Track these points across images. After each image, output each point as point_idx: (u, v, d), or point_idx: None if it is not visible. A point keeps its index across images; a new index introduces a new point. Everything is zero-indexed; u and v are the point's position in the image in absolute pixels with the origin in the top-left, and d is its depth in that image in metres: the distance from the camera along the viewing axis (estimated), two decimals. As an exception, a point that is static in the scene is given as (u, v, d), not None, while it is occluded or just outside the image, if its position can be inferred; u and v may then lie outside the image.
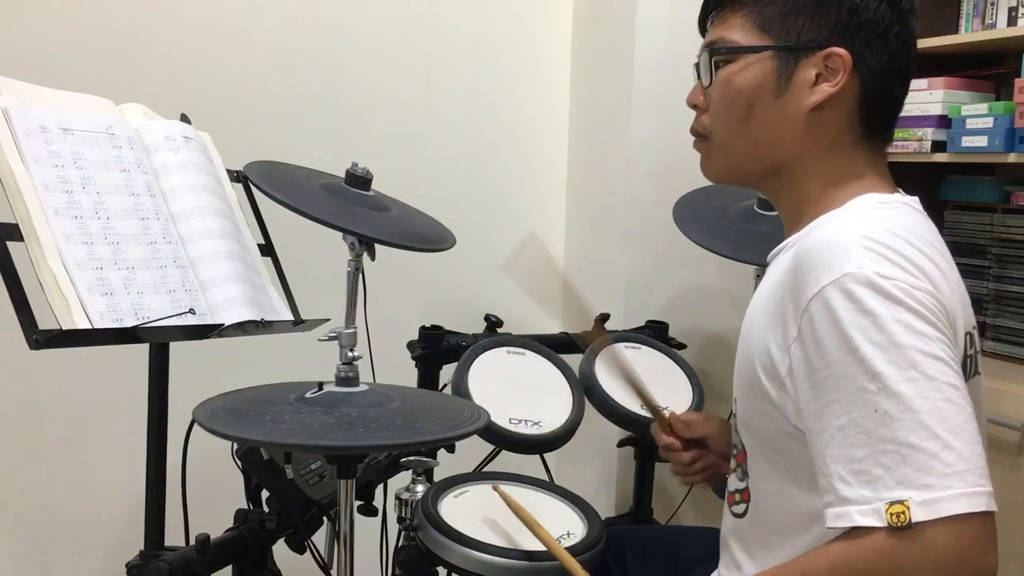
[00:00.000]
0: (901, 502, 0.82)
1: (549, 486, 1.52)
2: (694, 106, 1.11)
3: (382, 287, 1.66)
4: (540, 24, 2.39)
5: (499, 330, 1.91)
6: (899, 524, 0.81)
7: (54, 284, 1.21)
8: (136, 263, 1.31)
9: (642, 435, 1.79)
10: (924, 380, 0.84)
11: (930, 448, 0.82)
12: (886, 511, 0.82)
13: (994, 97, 1.96)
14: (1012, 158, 1.78)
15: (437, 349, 1.84)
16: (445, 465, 1.58)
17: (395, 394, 1.33)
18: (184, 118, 1.54)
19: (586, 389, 1.67)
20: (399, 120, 2.24)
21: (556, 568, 1.21)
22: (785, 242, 1.06)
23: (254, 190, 1.49)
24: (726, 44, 1.05)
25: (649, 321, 2.08)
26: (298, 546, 1.52)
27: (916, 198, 1.06)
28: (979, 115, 1.84)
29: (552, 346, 1.75)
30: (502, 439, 1.52)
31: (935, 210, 2.04)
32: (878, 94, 1.03)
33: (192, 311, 1.34)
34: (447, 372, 1.74)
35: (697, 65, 1.10)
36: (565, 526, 1.36)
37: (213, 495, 1.57)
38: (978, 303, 1.93)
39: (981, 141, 1.83)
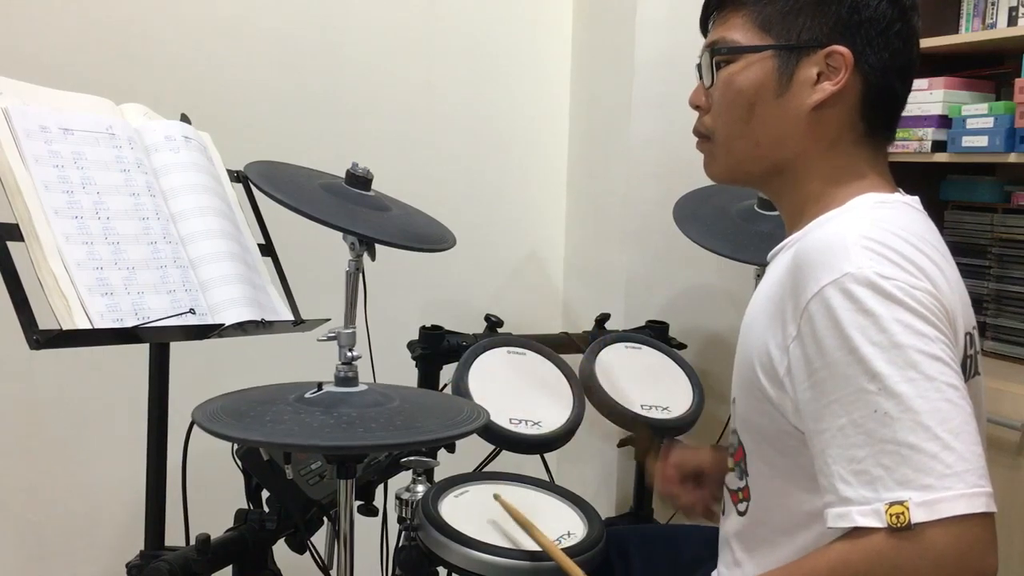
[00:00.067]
0: (901, 503, 0.81)
1: (549, 486, 1.52)
2: (696, 107, 1.11)
3: (382, 287, 1.66)
4: (540, 24, 2.39)
5: (499, 330, 1.91)
6: (899, 525, 0.81)
7: (54, 284, 1.21)
8: (136, 263, 1.31)
9: (647, 435, 1.80)
10: (924, 380, 0.83)
11: (930, 449, 0.82)
12: (886, 512, 0.82)
13: (994, 97, 1.96)
14: (1012, 158, 1.78)
15: (437, 349, 1.84)
16: (445, 465, 1.58)
17: (395, 394, 1.33)
18: (184, 118, 1.54)
19: (586, 389, 1.67)
20: (399, 120, 2.24)
21: (556, 568, 1.21)
22: (785, 241, 1.06)
23: (254, 190, 1.49)
24: (727, 44, 1.05)
25: (649, 321, 2.08)
26: (298, 546, 1.52)
27: (916, 198, 1.06)
28: (979, 115, 1.84)
29: (552, 346, 1.75)
30: (502, 439, 1.52)
31: (935, 210, 2.04)
32: (880, 92, 1.03)
33: (192, 311, 1.34)
34: (447, 372, 1.74)
35: (699, 66, 1.10)
36: (565, 526, 1.36)
37: (213, 495, 1.57)
38: (978, 303, 1.93)
39: (981, 141, 1.83)
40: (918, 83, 1.95)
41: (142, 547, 1.45)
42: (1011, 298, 1.89)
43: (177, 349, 1.47)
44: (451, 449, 1.72)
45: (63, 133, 1.31)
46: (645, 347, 1.87)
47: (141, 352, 1.45)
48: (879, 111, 1.04)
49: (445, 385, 1.81)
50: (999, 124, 1.80)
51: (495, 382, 1.60)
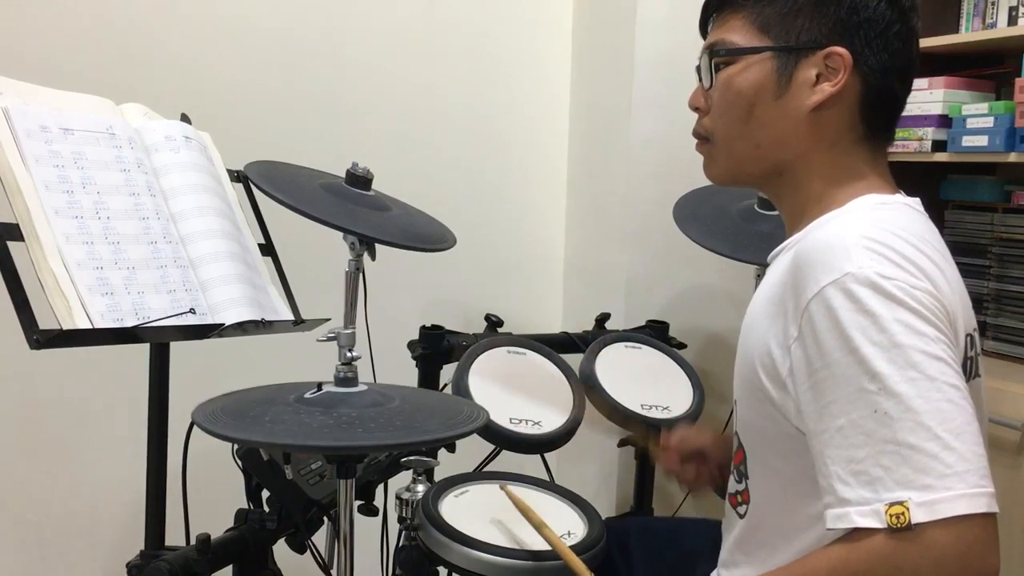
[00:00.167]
0: (901, 503, 0.81)
1: (550, 486, 1.52)
2: (695, 108, 1.11)
3: (382, 287, 1.66)
4: (540, 24, 2.39)
5: (500, 330, 1.91)
6: (899, 525, 0.81)
7: (54, 284, 1.21)
8: (136, 263, 1.31)
9: (644, 427, 1.80)
10: (924, 380, 0.83)
11: (930, 449, 0.82)
12: (886, 512, 0.82)
13: (994, 97, 1.96)
14: (1013, 157, 1.78)
15: (437, 349, 1.84)
16: (446, 465, 1.58)
17: (395, 394, 1.33)
18: (184, 118, 1.54)
19: (586, 388, 1.67)
20: (399, 120, 2.24)
21: (557, 568, 1.21)
22: (785, 242, 1.06)
23: (254, 190, 1.49)
24: (726, 46, 1.05)
25: (650, 321, 2.09)
26: (299, 546, 1.52)
27: (917, 199, 1.06)
28: (979, 115, 1.84)
29: (553, 346, 1.75)
30: (503, 439, 1.52)
31: (936, 210, 2.04)
32: (879, 93, 1.03)
33: (192, 311, 1.34)
34: (448, 372, 1.74)
35: (698, 67, 1.10)
36: (566, 526, 1.36)
37: (213, 495, 1.57)
38: (979, 303, 1.93)
39: (982, 141, 1.83)
40: (918, 83, 1.95)
41: (142, 547, 1.45)
42: (1011, 298, 1.89)
43: (177, 349, 1.47)
44: (451, 449, 1.72)
45: (63, 133, 1.31)
46: (645, 347, 1.87)
47: (141, 352, 1.45)
48: (879, 112, 1.04)
49: (445, 385, 1.81)
50: (999, 124, 1.80)
51: (495, 382, 1.60)
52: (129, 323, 1.26)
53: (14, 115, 1.27)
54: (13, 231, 1.20)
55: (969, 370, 0.99)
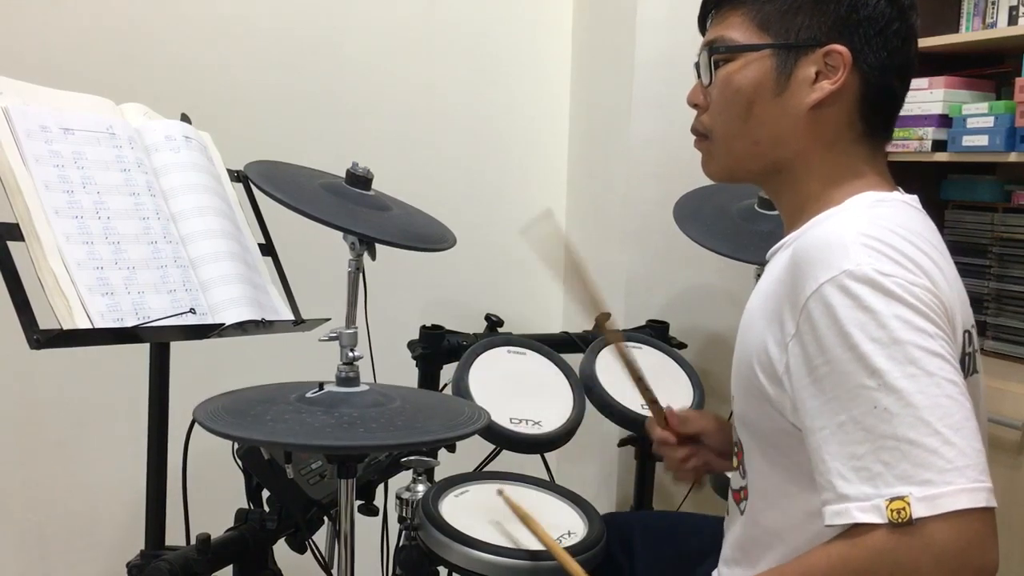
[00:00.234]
0: (902, 498, 0.81)
1: (550, 486, 1.52)
2: (694, 105, 1.11)
3: (383, 287, 1.66)
4: (540, 24, 2.39)
5: (500, 329, 1.91)
6: (900, 520, 0.81)
7: (54, 284, 1.21)
8: (137, 263, 1.31)
9: (642, 434, 1.80)
10: (924, 376, 0.83)
11: (930, 444, 0.82)
12: (887, 507, 0.82)
13: (995, 96, 1.96)
14: (1013, 157, 1.78)
15: (438, 349, 1.84)
16: (446, 464, 1.58)
17: (395, 394, 1.33)
18: (184, 118, 1.54)
19: (587, 388, 1.67)
20: (399, 120, 2.24)
21: (557, 568, 1.21)
22: (784, 240, 1.06)
23: (254, 190, 1.49)
24: (725, 43, 1.05)
25: (650, 320, 2.09)
26: (299, 546, 1.52)
27: (915, 196, 1.06)
28: (980, 114, 1.84)
29: (553, 345, 1.75)
30: (503, 439, 1.52)
31: (936, 209, 2.04)
32: (879, 91, 1.03)
33: (192, 311, 1.34)
34: (448, 372, 1.74)
35: (697, 64, 1.10)
36: (566, 526, 1.36)
37: (214, 495, 1.57)
38: (979, 302, 1.93)
39: (982, 140, 1.83)
40: (918, 82, 1.95)
41: (142, 547, 1.45)
42: (1012, 297, 1.89)
43: (177, 349, 1.47)
44: (451, 449, 1.72)
45: (63, 133, 1.31)
46: (645, 347, 1.87)
47: (141, 352, 1.45)
48: (878, 110, 1.04)
49: (445, 385, 1.81)
50: (999, 123, 1.80)
51: (496, 382, 1.60)
52: (129, 323, 1.26)
53: (14, 115, 1.27)
54: (13, 231, 1.20)
55: (967, 366, 0.99)
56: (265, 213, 1.58)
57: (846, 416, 0.86)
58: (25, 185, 1.23)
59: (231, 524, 1.48)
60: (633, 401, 1.67)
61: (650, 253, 2.19)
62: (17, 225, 1.21)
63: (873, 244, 0.89)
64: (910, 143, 1.97)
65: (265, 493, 1.52)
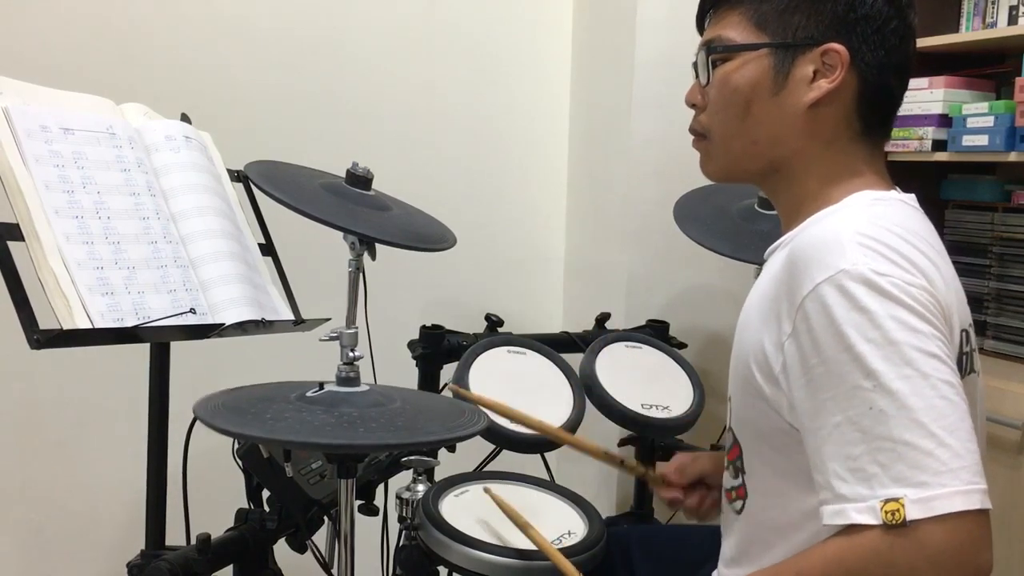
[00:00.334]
0: (896, 500, 0.82)
1: (550, 485, 1.52)
2: (692, 105, 1.11)
3: (383, 287, 1.66)
4: (540, 24, 2.39)
5: (500, 329, 1.91)
6: (894, 522, 0.81)
7: (55, 284, 1.21)
8: (137, 263, 1.31)
9: (642, 434, 1.80)
10: (919, 377, 0.84)
11: (925, 446, 0.82)
12: (881, 509, 0.82)
13: (995, 96, 1.96)
14: (1013, 157, 1.78)
15: (438, 349, 1.84)
16: (446, 464, 1.58)
17: (396, 395, 1.33)
18: (184, 118, 1.54)
19: (587, 388, 1.67)
20: (400, 120, 2.24)
21: (556, 567, 1.21)
22: (782, 239, 1.06)
23: (254, 190, 1.49)
24: (723, 42, 1.05)
25: (650, 320, 2.09)
26: (299, 545, 1.52)
27: (913, 195, 1.06)
28: (980, 114, 1.84)
29: (553, 345, 1.75)
30: (503, 439, 1.52)
31: (936, 209, 2.04)
32: (876, 90, 1.03)
33: (193, 311, 1.34)
34: (448, 372, 1.74)
35: (695, 63, 1.10)
36: (566, 525, 1.36)
37: (214, 495, 1.57)
38: (979, 302, 1.93)
39: (982, 140, 1.83)
40: (918, 82, 1.95)
41: (143, 547, 1.45)
42: (1012, 297, 1.89)
43: (177, 349, 1.47)
44: (452, 448, 1.72)
45: (63, 133, 1.31)
46: (645, 346, 1.87)
47: (141, 352, 1.45)
48: (875, 109, 1.04)
49: (445, 384, 1.81)
50: (999, 123, 1.80)
51: (496, 382, 1.60)
52: (129, 323, 1.26)
53: (14, 115, 1.27)
54: (13, 231, 1.20)
55: (964, 366, 0.99)
56: (265, 213, 1.58)
57: (842, 417, 0.86)
58: (25, 185, 1.23)
59: (231, 524, 1.48)
60: (633, 401, 1.67)
61: (650, 253, 2.19)
62: (17, 225, 1.21)
63: (870, 243, 0.89)
64: (910, 143, 1.97)
65: (265, 493, 1.52)
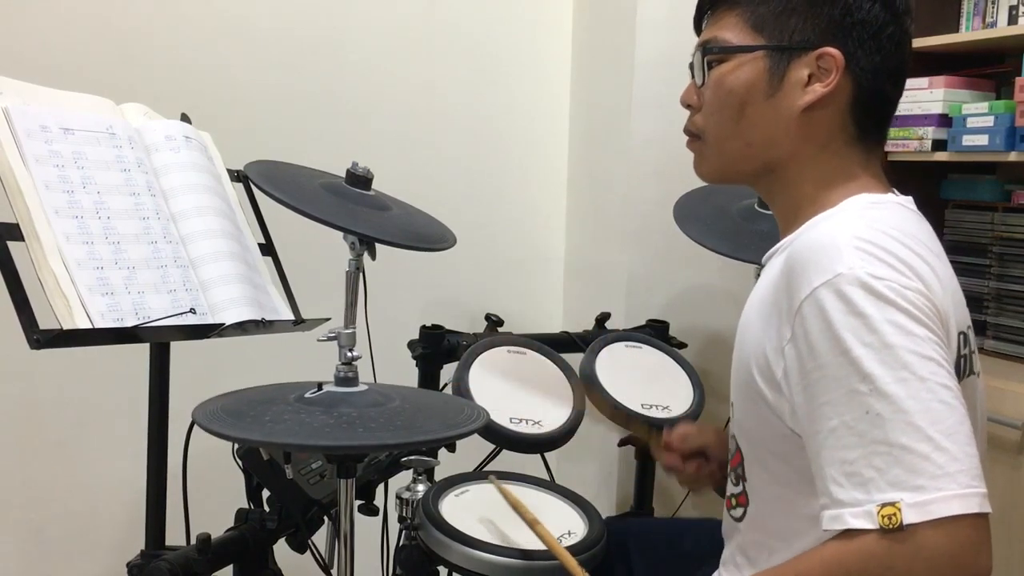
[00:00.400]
0: (893, 504, 0.81)
1: (550, 485, 1.52)
2: (687, 105, 1.11)
3: (383, 287, 1.66)
4: (540, 24, 2.39)
5: (500, 329, 1.91)
6: (891, 526, 0.81)
7: (55, 284, 1.21)
8: (137, 263, 1.31)
9: (642, 434, 1.80)
10: (916, 381, 0.83)
11: (922, 449, 0.82)
12: (878, 513, 0.82)
13: (995, 96, 1.96)
14: (1013, 157, 1.78)
15: (438, 348, 1.84)
16: (446, 464, 1.58)
17: (395, 394, 1.33)
18: (184, 118, 1.54)
19: (586, 388, 1.67)
20: (399, 120, 2.24)
21: (556, 567, 1.21)
22: (779, 244, 1.06)
23: (254, 189, 1.49)
24: (719, 44, 1.05)
25: (650, 320, 2.09)
26: (299, 546, 1.52)
27: (910, 197, 1.06)
28: (980, 114, 1.84)
29: (553, 345, 1.75)
30: (503, 438, 1.52)
31: (936, 209, 2.04)
32: (871, 95, 1.03)
33: (192, 311, 1.34)
34: (448, 371, 1.74)
35: (691, 64, 1.10)
36: (566, 525, 1.36)
37: (214, 495, 1.57)
38: (979, 302, 1.93)
39: (982, 140, 1.82)
40: (918, 82, 1.95)
41: (142, 547, 1.45)
42: (1012, 297, 1.89)
43: (177, 349, 1.47)
44: (451, 448, 1.72)
45: (63, 133, 1.31)
46: (645, 346, 1.86)
47: (141, 352, 1.45)
48: (870, 113, 1.04)
49: (445, 384, 1.81)
50: (999, 123, 1.80)
51: (495, 381, 1.60)
52: (129, 323, 1.26)
53: (14, 115, 1.27)
54: (13, 231, 1.20)
55: (963, 368, 0.99)
56: (265, 213, 1.58)
57: (838, 421, 0.86)
58: (25, 185, 1.24)
59: (231, 524, 1.48)
60: (633, 401, 1.67)
61: (650, 253, 2.19)
62: (17, 225, 1.21)
63: (866, 247, 0.89)
64: (910, 143, 1.97)
65: (265, 493, 1.52)
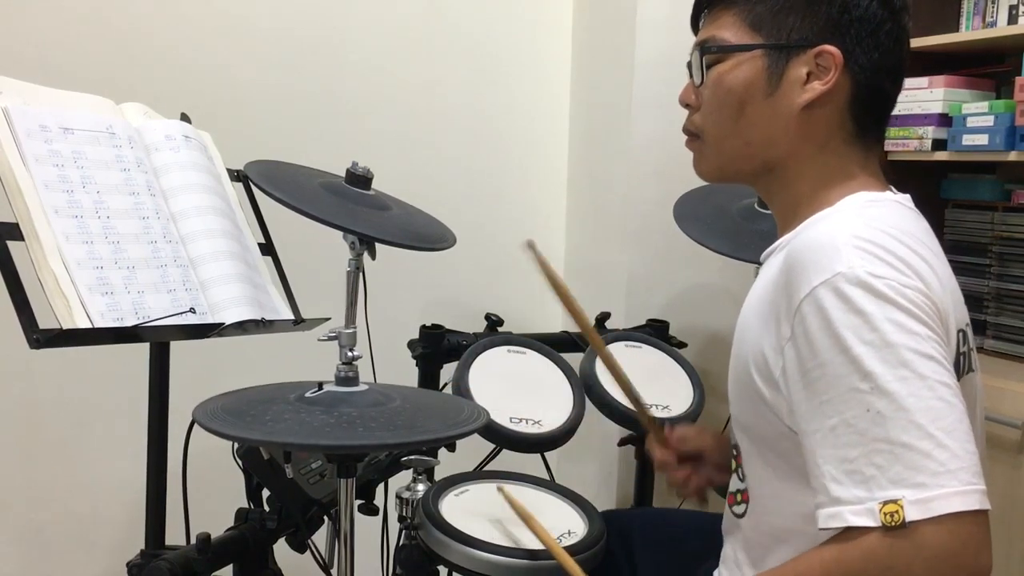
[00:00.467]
0: (895, 501, 0.81)
1: (550, 485, 1.52)
2: (686, 105, 1.11)
3: (383, 286, 1.66)
4: (540, 24, 2.39)
5: (500, 329, 1.91)
6: (893, 523, 0.81)
7: (54, 283, 1.21)
8: (136, 262, 1.31)
9: (643, 434, 1.80)
10: (916, 379, 0.83)
11: (923, 447, 0.82)
12: (880, 511, 0.82)
13: (995, 95, 1.96)
14: (1013, 156, 1.78)
15: (438, 348, 1.84)
16: (446, 464, 1.58)
17: (395, 394, 1.33)
18: (184, 117, 1.54)
19: (587, 387, 1.67)
20: (399, 119, 2.24)
21: (557, 567, 1.21)
22: (778, 242, 1.06)
23: (254, 189, 1.49)
24: (717, 43, 1.05)
25: (650, 320, 2.08)
26: (299, 545, 1.52)
27: (908, 196, 1.06)
28: (980, 113, 1.84)
29: (553, 345, 1.75)
30: (503, 438, 1.52)
31: (936, 209, 2.04)
32: (870, 92, 1.03)
33: (192, 310, 1.34)
34: (448, 371, 1.74)
35: (689, 64, 1.10)
36: (566, 525, 1.36)
37: (214, 494, 1.57)
38: (979, 301, 1.93)
39: (982, 139, 1.82)
40: (918, 81, 1.95)
41: (142, 546, 1.45)
42: (1012, 296, 1.89)
43: (177, 349, 1.47)
44: (451, 448, 1.72)
45: (63, 132, 1.31)
46: (645, 346, 1.87)
47: (141, 352, 1.45)
48: (869, 111, 1.04)
49: (445, 384, 1.81)
50: (999, 123, 1.79)
51: (496, 381, 1.60)
52: (129, 322, 1.26)
53: (14, 115, 1.27)
54: (13, 231, 1.20)
55: (962, 366, 0.99)
56: (265, 213, 1.58)
57: (838, 419, 0.86)
58: (25, 185, 1.24)
59: (231, 524, 1.48)
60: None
61: (650, 253, 2.19)
62: (17, 225, 1.21)
63: (865, 246, 0.89)
64: (910, 142, 1.97)
65: (265, 493, 1.52)
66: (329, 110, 2.15)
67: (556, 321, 2.46)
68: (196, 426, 1.20)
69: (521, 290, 2.42)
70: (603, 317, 2.03)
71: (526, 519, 1.27)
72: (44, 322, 1.16)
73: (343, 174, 1.46)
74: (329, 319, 1.50)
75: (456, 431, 1.24)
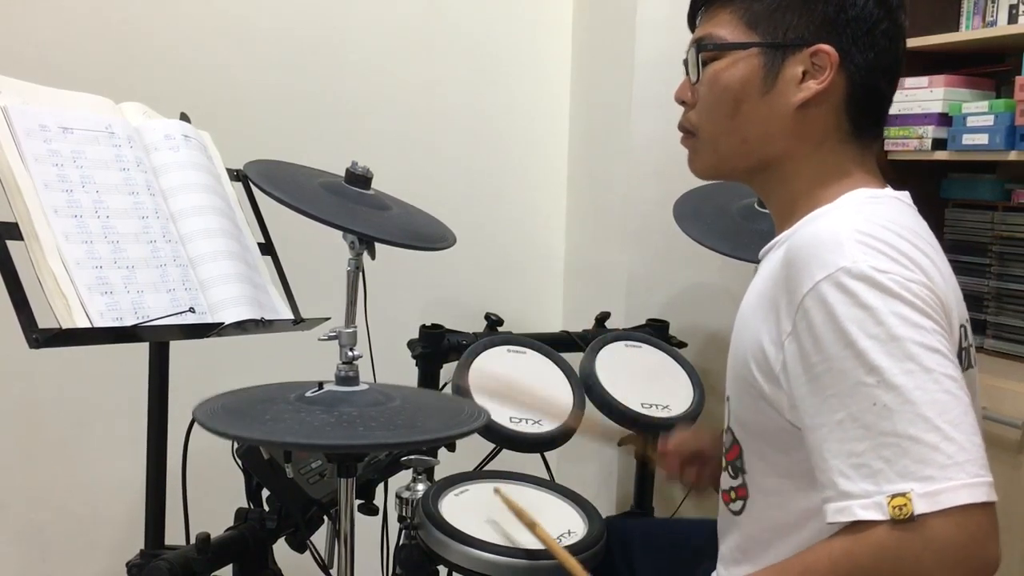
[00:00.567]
0: (903, 494, 0.81)
1: (550, 485, 1.52)
2: (682, 102, 1.11)
3: (382, 286, 1.66)
4: (540, 24, 2.39)
5: (500, 329, 1.91)
6: (901, 517, 0.81)
7: (54, 283, 1.21)
8: (136, 262, 1.31)
9: (642, 433, 1.80)
10: (922, 372, 0.83)
11: (930, 440, 0.82)
12: (888, 504, 0.82)
13: (995, 95, 1.96)
14: (1013, 156, 1.78)
15: (438, 348, 1.84)
16: (446, 464, 1.58)
17: (395, 393, 1.33)
18: (184, 117, 1.54)
19: (586, 387, 1.67)
20: (399, 119, 2.24)
21: (556, 566, 1.21)
22: (776, 239, 1.06)
23: (254, 189, 1.49)
24: (713, 40, 1.05)
25: (650, 320, 2.08)
26: (299, 545, 1.52)
27: (906, 193, 1.06)
28: (980, 113, 1.84)
29: (553, 344, 1.75)
30: (503, 438, 1.52)
31: (936, 208, 2.04)
32: (866, 91, 1.03)
33: (192, 310, 1.34)
34: (448, 371, 1.74)
35: (686, 61, 1.10)
36: (566, 525, 1.36)
37: (213, 494, 1.57)
38: (979, 301, 1.93)
39: (982, 139, 1.82)
40: (918, 81, 1.95)
41: (142, 546, 1.45)
42: (1012, 296, 1.89)
43: (177, 348, 1.47)
44: (451, 448, 1.72)
45: (62, 132, 1.31)
46: (645, 346, 1.86)
47: (141, 352, 1.45)
48: (864, 110, 1.04)
49: (445, 384, 1.81)
50: (999, 122, 1.79)
51: (495, 381, 1.60)
52: (128, 322, 1.26)
53: (13, 114, 1.27)
54: (13, 230, 1.20)
55: (963, 361, 0.99)
56: (265, 212, 1.58)
57: (845, 413, 0.86)
58: (24, 184, 1.24)
59: (231, 524, 1.48)
60: (633, 400, 1.67)
61: (650, 253, 2.19)
62: (16, 224, 1.21)
63: (869, 241, 0.89)
64: (910, 142, 1.97)
65: (265, 493, 1.52)
66: (329, 110, 2.15)
67: (556, 321, 2.46)
68: (196, 426, 1.20)
69: (521, 290, 2.42)
70: (603, 317, 2.03)
71: (524, 519, 1.27)
72: (43, 322, 1.16)
73: (343, 174, 1.46)
74: (329, 319, 1.50)
75: (456, 431, 1.24)
